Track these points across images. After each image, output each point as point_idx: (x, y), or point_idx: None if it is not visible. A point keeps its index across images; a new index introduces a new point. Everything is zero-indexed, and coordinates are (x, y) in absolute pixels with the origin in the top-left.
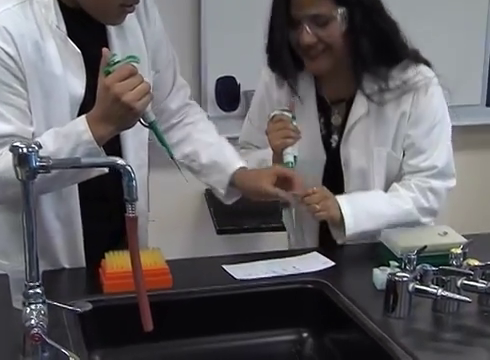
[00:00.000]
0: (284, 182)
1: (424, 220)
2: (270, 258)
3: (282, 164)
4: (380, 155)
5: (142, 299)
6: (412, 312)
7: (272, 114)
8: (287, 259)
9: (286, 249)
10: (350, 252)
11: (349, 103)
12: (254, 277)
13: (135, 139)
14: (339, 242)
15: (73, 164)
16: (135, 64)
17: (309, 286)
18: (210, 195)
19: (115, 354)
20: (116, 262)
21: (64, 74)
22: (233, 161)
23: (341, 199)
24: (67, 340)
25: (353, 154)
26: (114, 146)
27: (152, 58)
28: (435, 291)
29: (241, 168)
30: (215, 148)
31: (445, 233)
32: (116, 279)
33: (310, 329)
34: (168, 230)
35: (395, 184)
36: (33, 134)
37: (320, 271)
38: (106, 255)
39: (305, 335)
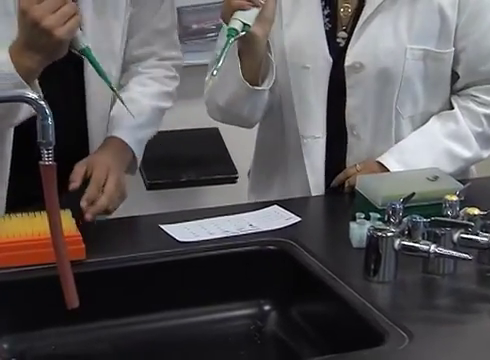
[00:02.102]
0: None
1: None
2: (220, 215)
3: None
4: (415, 55)
5: (64, 269)
6: (399, 275)
7: None
8: (241, 215)
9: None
10: (318, 204)
11: None
12: (201, 239)
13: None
14: None
15: None
16: None
17: (270, 247)
18: None
19: (28, 340)
20: (12, 229)
21: None
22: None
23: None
24: None
25: (369, 56)
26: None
27: None
28: (427, 248)
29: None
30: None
31: (435, 177)
32: (8, 251)
33: (273, 301)
34: None
35: (457, 111)
36: None
37: (283, 228)
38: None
39: (267, 308)
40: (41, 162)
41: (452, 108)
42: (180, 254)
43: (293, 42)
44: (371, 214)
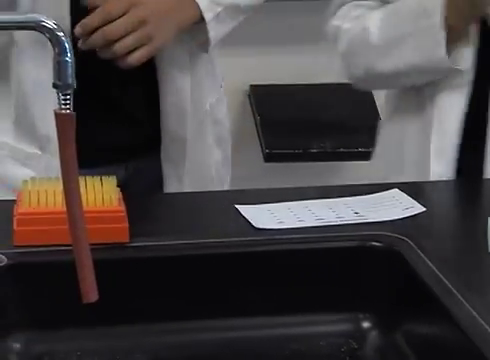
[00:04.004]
0: None
1: None
2: (315, 197)
3: None
4: None
5: (80, 251)
6: None
7: None
8: (347, 200)
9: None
10: (453, 191)
11: None
12: (285, 227)
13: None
14: None
15: None
16: None
17: (375, 244)
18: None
19: (47, 341)
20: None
21: None
22: None
23: None
24: None
25: None
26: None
27: None
28: None
29: None
30: None
31: None
32: (32, 224)
33: (374, 315)
34: None
35: None
36: None
37: (398, 220)
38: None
39: (365, 325)
40: (56, 110)
41: None
42: (253, 245)
43: None
44: None
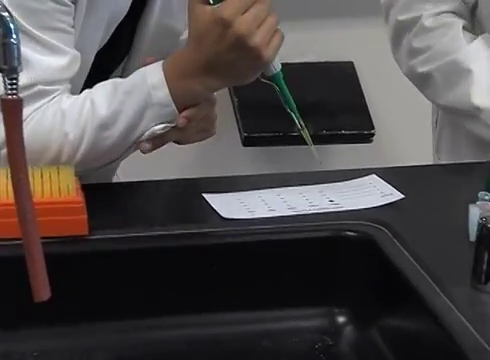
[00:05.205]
0: None
1: None
2: (288, 184)
3: None
4: None
5: (30, 245)
6: None
7: None
8: (320, 186)
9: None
10: (435, 176)
11: None
12: (255, 216)
13: None
14: None
15: None
16: None
17: (350, 234)
18: None
19: (8, 341)
20: None
21: None
22: None
23: None
24: None
25: None
26: None
27: None
28: None
29: None
30: None
31: None
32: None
33: (350, 310)
34: None
35: None
36: None
37: (376, 209)
38: None
39: (341, 320)
40: (2, 95)
41: None
42: (220, 236)
43: None
44: None
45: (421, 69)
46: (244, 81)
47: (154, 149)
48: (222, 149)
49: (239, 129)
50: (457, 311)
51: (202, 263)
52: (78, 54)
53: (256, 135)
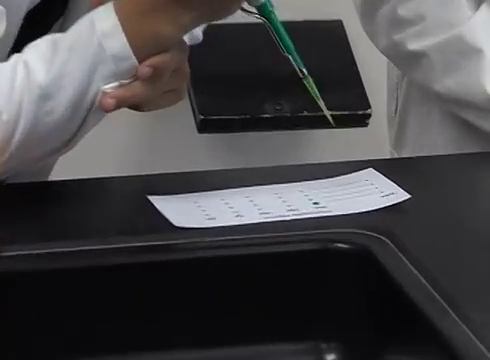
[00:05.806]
0: None
1: None
2: (260, 182)
3: None
4: None
5: None
6: None
7: None
8: (301, 185)
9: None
10: (444, 169)
11: None
12: (217, 225)
13: None
14: None
15: None
16: None
17: (341, 246)
18: None
19: None
20: None
21: None
22: None
23: None
24: None
25: None
26: None
27: None
28: None
29: None
30: None
31: None
32: None
33: (340, 344)
34: None
35: None
36: None
37: (373, 213)
38: None
39: (330, 358)
40: None
41: None
42: (171, 250)
43: None
44: None
45: (411, 46)
46: (222, 14)
47: (119, 107)
48: (172, 136)
49: (193, 110)
50: (476, 339)
51: (151, 286)
52: (3, 10)
53: (215, 118)
